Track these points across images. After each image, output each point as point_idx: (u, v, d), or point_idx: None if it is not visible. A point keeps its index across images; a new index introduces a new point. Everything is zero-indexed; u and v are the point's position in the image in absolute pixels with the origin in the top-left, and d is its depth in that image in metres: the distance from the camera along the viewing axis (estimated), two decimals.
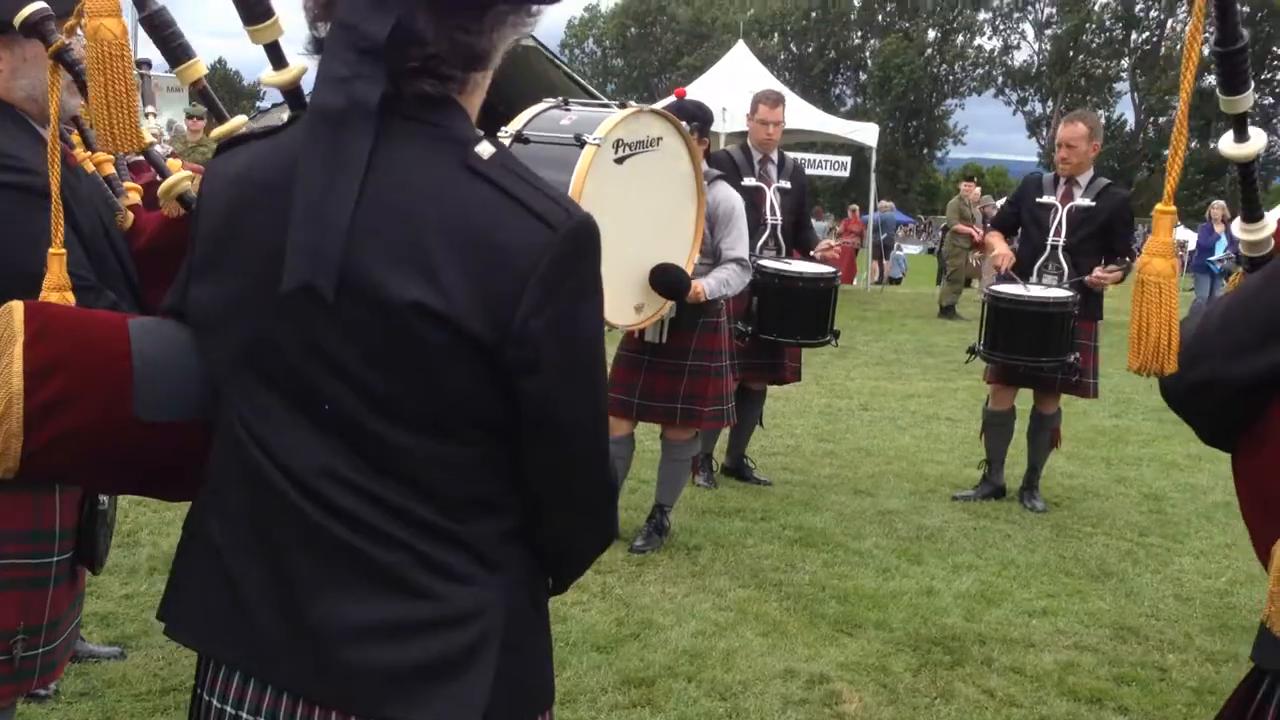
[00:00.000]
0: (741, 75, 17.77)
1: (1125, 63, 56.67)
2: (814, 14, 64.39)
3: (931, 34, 62.14)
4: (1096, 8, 56.69)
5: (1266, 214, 1.70)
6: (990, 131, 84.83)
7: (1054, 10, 58.30)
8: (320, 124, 1.23)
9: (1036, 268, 5.80)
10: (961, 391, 9.33)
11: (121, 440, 1.39)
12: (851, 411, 8.48)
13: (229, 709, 1.33)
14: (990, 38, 62.36)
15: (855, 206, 23.46)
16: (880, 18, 64.09)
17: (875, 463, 6.85)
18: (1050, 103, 59.29)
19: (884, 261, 21.84)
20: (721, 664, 3.83)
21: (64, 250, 1.84)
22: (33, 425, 1.37)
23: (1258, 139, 1.49)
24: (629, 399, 4.81)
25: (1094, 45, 57.41)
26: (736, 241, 4.95)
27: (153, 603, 4.05)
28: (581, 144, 3.66)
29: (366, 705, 1.27)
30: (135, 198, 2.55)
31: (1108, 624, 4.39)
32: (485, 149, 1.27)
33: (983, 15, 61.01)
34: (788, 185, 6.06)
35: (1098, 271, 5.66)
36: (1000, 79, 61.78)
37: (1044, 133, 59.07)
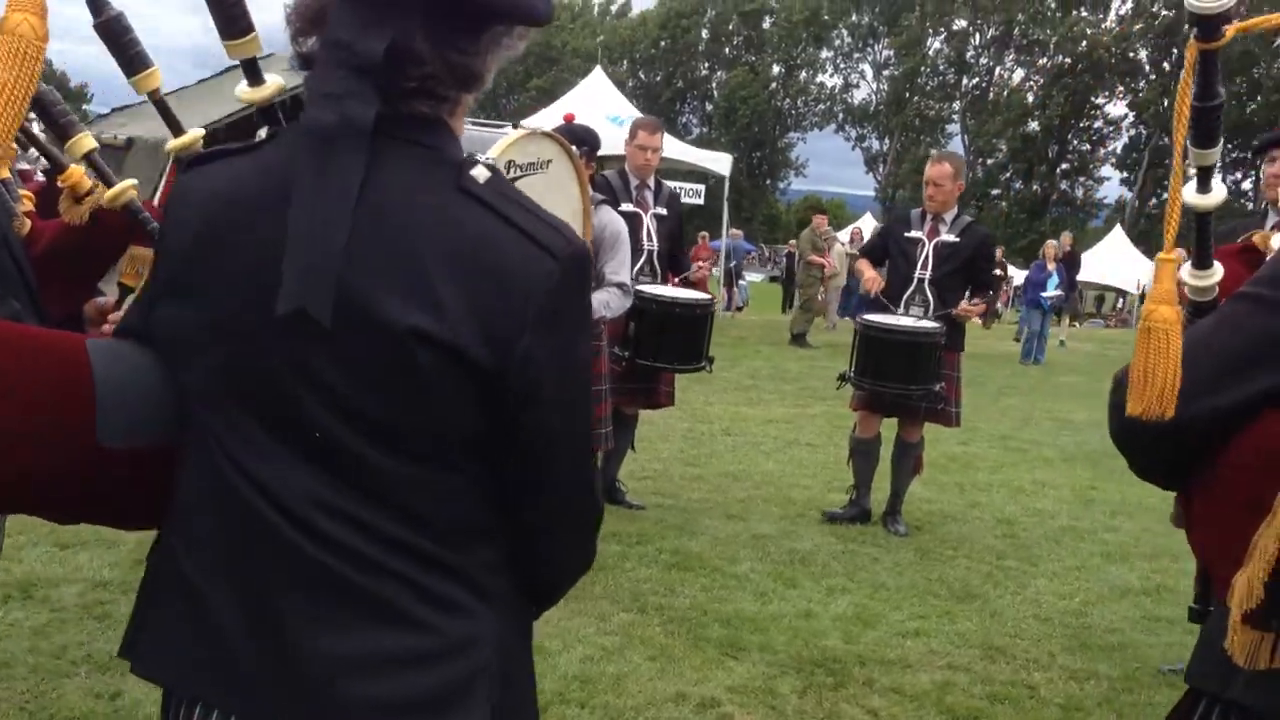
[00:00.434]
0: (599, 100, 17.91)
1: (957, 105, 59.40)
2: (663, 43, 65.47)
3: (776, 69, 63.90)
4: (931, 52, 59.30)
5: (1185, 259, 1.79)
6: (830, 165, 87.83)
7: (891, 53, 60.71)
8: (312, 142, 1.19)
9: (904, 299, 6.01)
10: (819, 417, 9.57)
11: (82, 467, 1.29)
12: (714, 436, 8.59)
13: None
14: (832, 75, 64.58)
15: (705, 233, 23.88)
16: (727, 50, 65.60)
17: (744, 487, 6.95)
18: (887, 140, 61.67)
19: (734, 288, 22.29)
20: (612, 689, 3.81)
21: None
22: None
23: (1218, 191, 1.57)
24: None
25: (928, 88, 59.98)
26: (620, 266, 4.98)
27: (10, 632, 3.78)
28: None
29: None
30: (29, 204, 2.42)
31: (977, 644, 4.55)
32: (481, 172, 1.25)
33: (825, 53, 63.07)
34: (664, 212, 6.12)
35: (964, 304, 5.90)
36: (840, 115, 63.92)
37: (880, 168, 61.41)
